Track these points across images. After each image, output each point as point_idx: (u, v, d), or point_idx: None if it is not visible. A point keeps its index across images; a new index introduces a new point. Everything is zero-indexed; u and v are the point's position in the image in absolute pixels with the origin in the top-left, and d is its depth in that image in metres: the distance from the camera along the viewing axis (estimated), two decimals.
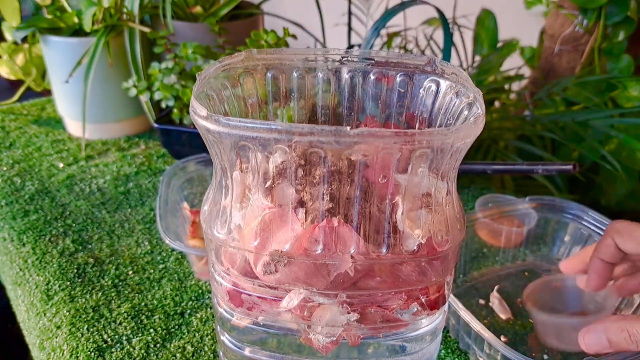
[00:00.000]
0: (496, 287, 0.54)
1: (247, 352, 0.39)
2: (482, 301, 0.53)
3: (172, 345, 0.49)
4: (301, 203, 0.31)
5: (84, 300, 0.54)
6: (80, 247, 0.62)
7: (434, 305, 0.36)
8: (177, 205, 0.62)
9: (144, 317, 0.52)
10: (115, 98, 0.83)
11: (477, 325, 0.44)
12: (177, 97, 0.74)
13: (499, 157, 0.84)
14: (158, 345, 0.49)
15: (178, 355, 0.48)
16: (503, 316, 0.52)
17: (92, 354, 0.48)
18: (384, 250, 0.32)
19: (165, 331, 0.51)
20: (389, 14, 0.65)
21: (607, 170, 0.79)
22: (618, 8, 0.88)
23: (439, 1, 0.72)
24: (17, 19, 0.84)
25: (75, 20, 0.81)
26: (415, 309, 0.35)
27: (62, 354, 0.49)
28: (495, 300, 0.53)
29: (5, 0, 0.82)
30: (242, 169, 0.32)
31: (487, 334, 0.43)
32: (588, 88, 0.86)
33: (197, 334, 0.51)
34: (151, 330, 0.51)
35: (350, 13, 1.03)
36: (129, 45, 0.77)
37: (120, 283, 0.57)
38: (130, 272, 0.58)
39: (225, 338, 0.40)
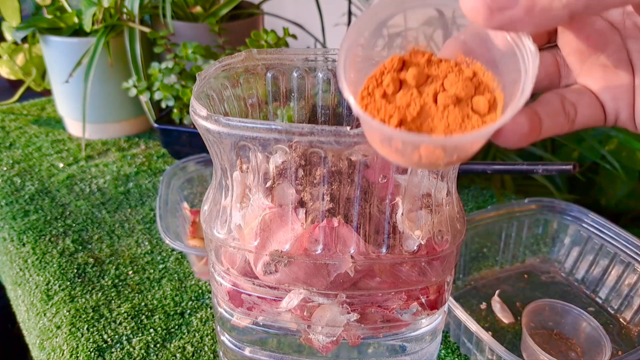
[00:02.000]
0: (497, 292, 0.54)
1: (247, 352, 0.39)
2: (483, 305, 0.53)
3: (172, 345, 0.49)
4: (301, 203, 0.31)
5: (84, 300, 0.54)
6: (80, 247, 0.62)
7: (434, 306, 0.36)
8: (177, 205, 0.62)
9: (144, 317, 0.52)
10: (115, 98, 0.83)
11: (478, 330, 0.44)
12: (177, 97, 0.74)
13: (499, 157, 0.84)
14: (158, 345, 0.49)
15: (178, 355, 0.48)
16: (506, 320, 0.51)
17: (92, 354, 0.48)
18: (384, 250, 0.32)
19: (165, 331, 0.51)
20: None
21: (607, 170, 0.79)
22: None
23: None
24: (17, 19, 0.84)
25: (75, 20, 0.81)
26: (415, 309, 0.35)
27: (62, 354, 0.49)
28: (497, 305, 0.53)
29: (5, 0, 0.82)
30: (242, 169, 0.32)
31: (488, 339, 0.43)
32: None
33: (197, 334, 0.50)
34: (151, 330, 0.51)
35: (350, 13, 1.03)
36: (129, 45, 0.77)
37: (120, 283, 0.57)
38: (130, 272, 0.58)
39: (225, 338, 0.40)
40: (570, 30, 0.27)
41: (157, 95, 0.74)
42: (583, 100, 0.27)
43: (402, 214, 0.31)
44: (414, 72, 0.25)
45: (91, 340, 0.50)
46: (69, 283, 0.57)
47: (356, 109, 0.23)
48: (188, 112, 0.73)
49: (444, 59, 0.26)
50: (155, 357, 0.48)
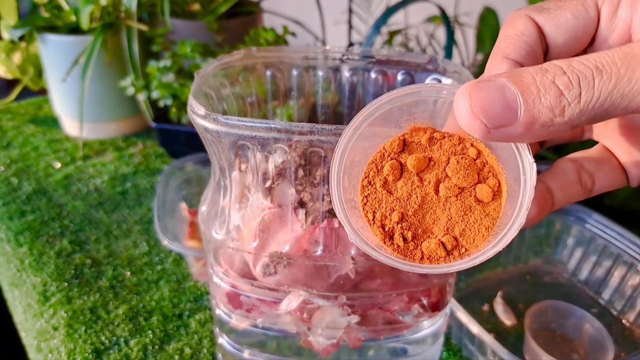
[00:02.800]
0: (499, 293, 0.54)
1: (246, 354, 0.38)
2: (485, 307, 0.53)
3: (170, 347, 0.49)
4: (301, 204, 0.31)
5: (81, 301, 0.54)
6: (78, 248, 0.61)
7: (435, 307, 0.35)
8: (175, 205, 0.61)
9: (141, 318, 0.52)
10: (112, 97, 0.83)
11: (480, 332, 0.43)
12: (175, 95, 0.73)
13: None
14: (156, 347, 0.49)
15: (176, 357, 0.48)
16: (508, 322, 0.51)
17: (90, 355, 0.48)
18: None
19: (163, 333, 0.50)
20: (390, 11, 0.64)
21: None
22: None
23: None
24: (14, 17, 0.83)
25: (73, 18, 0.81)
26: (417, 311, 0.35)
27: (60, 356, 0.48)
28: (499, 307, 0.52)
29: None
30: (241, 169, 0.32)
31: (491, 341, 0.42)
32: None
33: (195, 336, 0.50)
34: (149, 332, 0.50)
35: (350, 11, 1.02)
36: (126, 43, 0.77)
37: (118, 284, 0.56)
38: (128, 274, 0.58)
39: (223, 340, 0.39)
40: None
41: (154, 94, 0.74)
42: (602, 170, 0.26)
43: None
44: (414, 160, 0.25)
45: (89, 342, 0.49)
46: (66, 284, 0.56)
47: (353, 238, 0.24)
48: (186, 111, 0.73)
49: (447, 134, 0.25)
50: (153, 359, 0.47)
